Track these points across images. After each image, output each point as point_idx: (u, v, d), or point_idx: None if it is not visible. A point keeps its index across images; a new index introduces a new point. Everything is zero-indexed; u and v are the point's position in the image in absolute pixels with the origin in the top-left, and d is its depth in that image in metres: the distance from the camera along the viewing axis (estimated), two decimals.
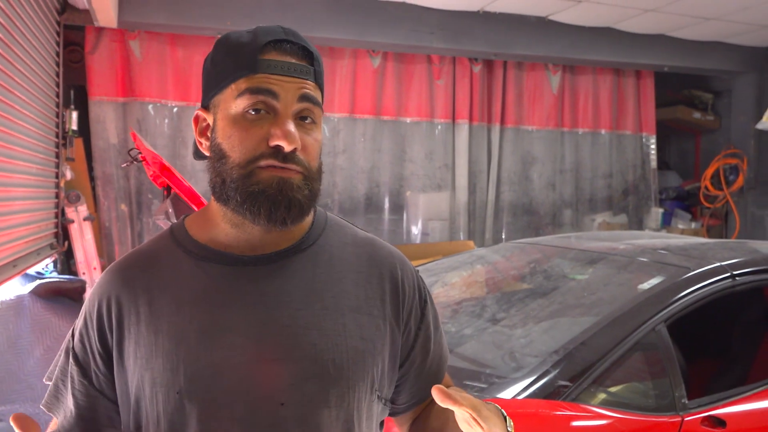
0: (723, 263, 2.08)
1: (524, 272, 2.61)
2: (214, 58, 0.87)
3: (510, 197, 5.34)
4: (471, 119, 5.17)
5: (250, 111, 0.82)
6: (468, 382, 1.74)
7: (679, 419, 1.69)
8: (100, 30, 4.13)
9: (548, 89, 5.41)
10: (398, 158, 5.02)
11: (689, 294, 1.94)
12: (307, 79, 0.84)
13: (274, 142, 0.81)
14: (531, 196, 5.42)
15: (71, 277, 3.44)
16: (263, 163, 0.81)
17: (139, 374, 0.84)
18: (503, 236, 5.30)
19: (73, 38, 4.22)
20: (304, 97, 0.84)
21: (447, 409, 0.91)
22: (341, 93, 4.82)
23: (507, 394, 1.66)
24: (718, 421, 1.73)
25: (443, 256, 3.20)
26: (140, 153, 2.14)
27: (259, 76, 0.81)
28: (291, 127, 0.81)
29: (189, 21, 4.04)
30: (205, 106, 0.89)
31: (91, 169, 4.26)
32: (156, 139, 4.34)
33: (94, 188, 4.26)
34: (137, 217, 4.31)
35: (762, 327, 2.59)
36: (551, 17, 4.77)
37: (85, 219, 3.78)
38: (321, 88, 0.88)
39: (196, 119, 0.90)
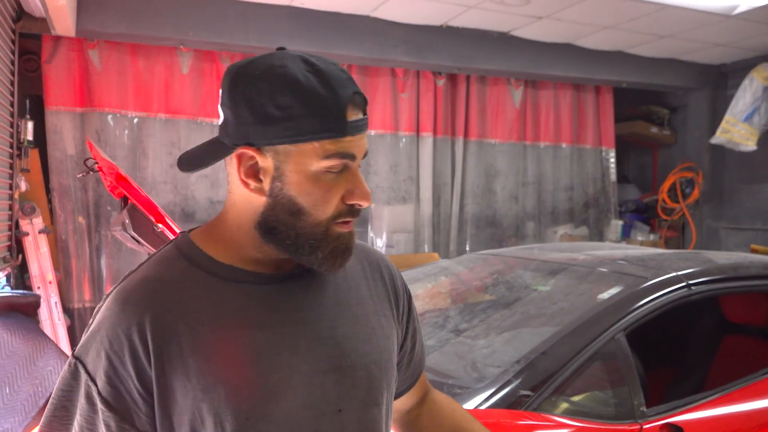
0: (679, 273, 2.13)
1: (487, 283, 2.63)
2: (279, 101, 0.81)
3: (474, 209, 5.39)
4: (435, 132, 5.21)
5: (331, 171, 0.84)
6: None
7: (638, 427, 1.71)
8: (58, 39, 4.05)
9: (510, 103, 5.49)
10: (363, 171, 5.02)
11: (647, 303, 1.98)
12: (366, 132, 0.89)
13: (353, 201, 0.86)
14: (494, 209, 5.48)
15: (25, 291, 3.33)
16: (340, 220, 0.86)
17: (194, 406, 0.81)
18: (467, 248, 5.34)
19: (30, 47, 4.12)
20: (366, 152, 0.89)
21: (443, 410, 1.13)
22: None
23: (470, 404, 1.66)
24: (676, 429, 1.76)
25: (408, 269, 3.20)
26: (96, 163, 2.09)
27: (345, 139, 0.84)
28: (366, 186, 0.88)
29: (150, 31, 3.99)
30: (254, 146, 0.84)
31: (47, 180, 4.15)
32: (116, 150, 4.25)
33: (50, 200, 4.15)
34: (95, 229, 4.21)
35: (717, 335, 2.65)
36: (513, 33, 4.85)
37: (40, 232, 3.67)
38: None
39: (241, 156, 0.85)
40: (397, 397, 1.08)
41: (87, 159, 2.15)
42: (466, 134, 5.36)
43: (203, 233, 0.91)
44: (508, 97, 5.47)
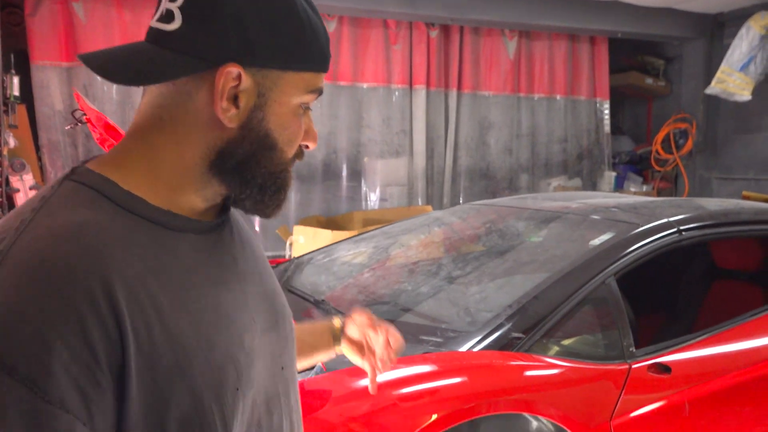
0: (670, 219, 2.14)
1: (480, 232, 2.64)
2: (286, 22, 0.72)
3: (467, 162, 5.37)
4: (428, 84, 5.16)
5: (304, 107, 0.77)
6: (424, 337, 1.76)
7: (627, 366, 1.75)
8: None
9: (504, 55, 5.42)
10: (355, 124, 4.99)
11: (638, 249, 1.99)
12: None
13: (307, 143, 0.80)
14: (488, 161, 5.47)
15: None
16: (295, 160, 0.81)
17: (169, 386, 0.65)
18: (461, 201, 5.35)
19: (12, 0, 4.02)
20: None
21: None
22: None
23: (463, 347, 1.69)
24: (664, 368, 1.79)
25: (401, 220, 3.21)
26: (84, 114, 2.07)
27: (322, 75, 0.78)
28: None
29: None
30: (244, 64, 0.70)
31: (36, 136, 4.10)
32: (104, 105, 4.20)
33: (39, 156, 4.12)
34: None
35: (707, 281, 2.69)
36: None
37: (30, 188, 3.65)
38: None
39: (227, 76, 0.70)
40: None
41: (75, 110, 2.12)
42: (459, 86, 5.31)
43: (116, 169, 0.72)
44: (502, 48, 5.40)
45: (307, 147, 0.81)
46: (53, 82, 4.05)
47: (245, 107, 0.72)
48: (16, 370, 0.58)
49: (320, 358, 1.14)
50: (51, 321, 0.59)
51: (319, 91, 0.77)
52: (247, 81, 0.71)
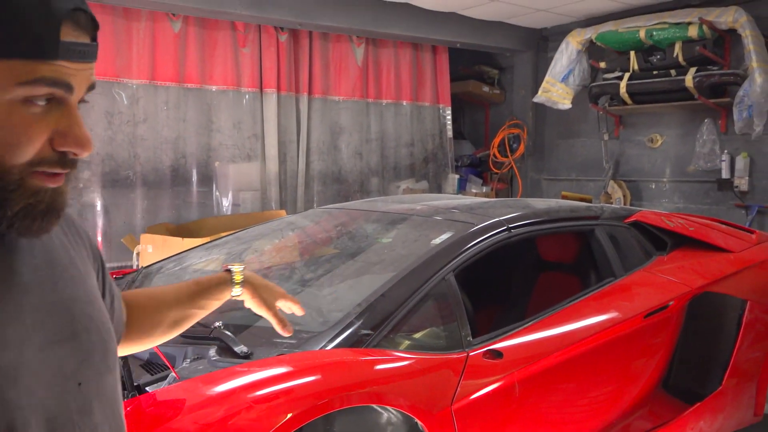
0: (501, 218, 2.37)
1: (332, 235, 2.74)
2: None
3: (320, 166, 5.47)
4: (279, 89, 5.18)
5: (38, 101, 0.66)
6: (278, 340, 1.81)
7: (465, 354, 1.93)
8: None
9: (353, 61, 5.59)
10: (205, 128, 4.88)
11: (473, 246, 2.20)
12: (93, 62, 0.71)
13: (67, 148, 0.68)
14: (340, 165, 5.60)
15: None
16: (41, 169, 0.68)
17: None
18: (315, 205, 5.43)
19: None
20: (92, 86, 0.72)
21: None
22: (139, 58, 4.54)
23: (316, 347, 1.76)
24: (497, 353, 1.99)
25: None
26: None
27: (58, 63, 0.66)
28: (86, 130, 0.70)
29: None
30: None
31: None
32: None
33: None
34: None
35: (534, 272, 3.00)
36: None
37: None
38: None
39: None
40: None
41: None
42: (310, 91, 5.39)
43: None
44: (351, 54, 5.56)
45: (74, 155, 0.70)
46: None
47: None
48: None
49: (205, 310, 1.12)
50: None
51: (47, 81, 0.66)
52: None
